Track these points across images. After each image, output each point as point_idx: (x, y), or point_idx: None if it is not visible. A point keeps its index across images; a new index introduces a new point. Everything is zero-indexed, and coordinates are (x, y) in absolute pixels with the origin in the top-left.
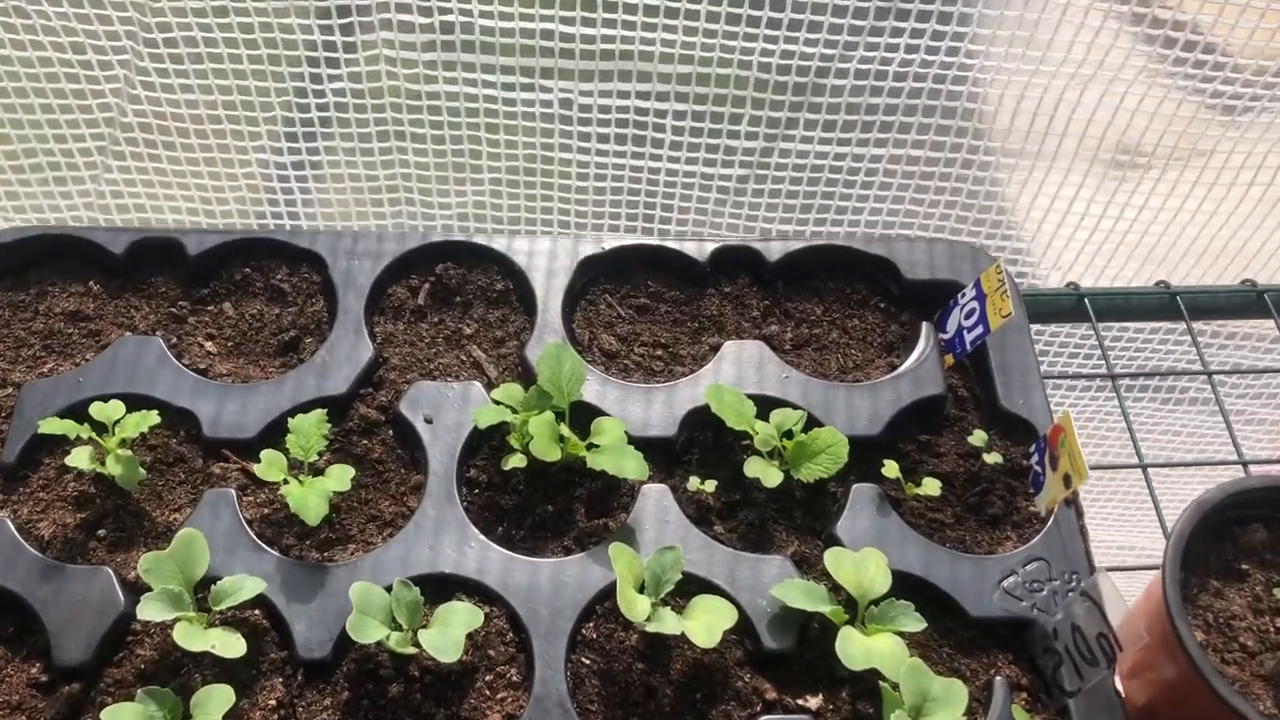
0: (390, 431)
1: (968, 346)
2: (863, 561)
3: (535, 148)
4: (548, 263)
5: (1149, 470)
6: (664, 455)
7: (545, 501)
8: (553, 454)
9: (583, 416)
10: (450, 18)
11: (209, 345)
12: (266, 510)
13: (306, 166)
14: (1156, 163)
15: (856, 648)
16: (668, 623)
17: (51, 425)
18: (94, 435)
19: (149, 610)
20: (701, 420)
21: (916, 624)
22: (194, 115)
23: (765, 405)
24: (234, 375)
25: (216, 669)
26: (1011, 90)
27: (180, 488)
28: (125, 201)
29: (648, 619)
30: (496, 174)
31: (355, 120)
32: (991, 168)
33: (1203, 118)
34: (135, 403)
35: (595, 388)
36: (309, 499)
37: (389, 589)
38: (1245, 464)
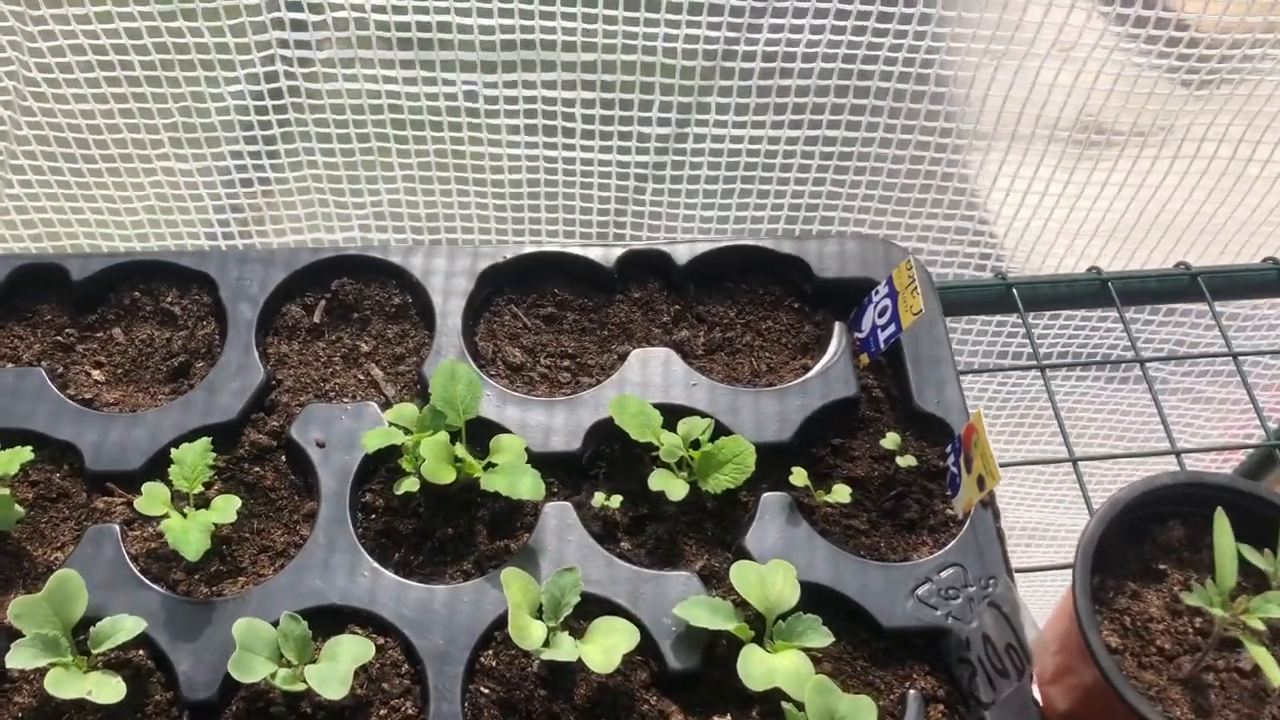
0: (283, 457)
1: (881, 345)
2: (770, 574)
3: (445, 142)
4: (446, 275)
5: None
6: (569, 471)
7: (445, 524)
8: (446, 476)
9: (483, 434)
10: (343, 14)
11: (96, 374)
12: (153, 545)
13: (213, 173)
14: (1098, 139)
15: (758, 667)
16: (564, 648)
17: None
18: None
19: (19, 658)
20: (608, 433)
21: (824, 639)
22: (92, 125)
23: (673, 414)
24: (122, 404)
25: (99, 714)
26: (947, 68)
27: (64, 524)
28: (31, 216)
29: (545, 644)
30: (409, 170)
31: (258, 123)
32: (911, 145)
33: (1122, 90)
34: (14, 438)
35: (495, 404)
36: (189, 533)
37: (278, 623)
38: (1179, 454)
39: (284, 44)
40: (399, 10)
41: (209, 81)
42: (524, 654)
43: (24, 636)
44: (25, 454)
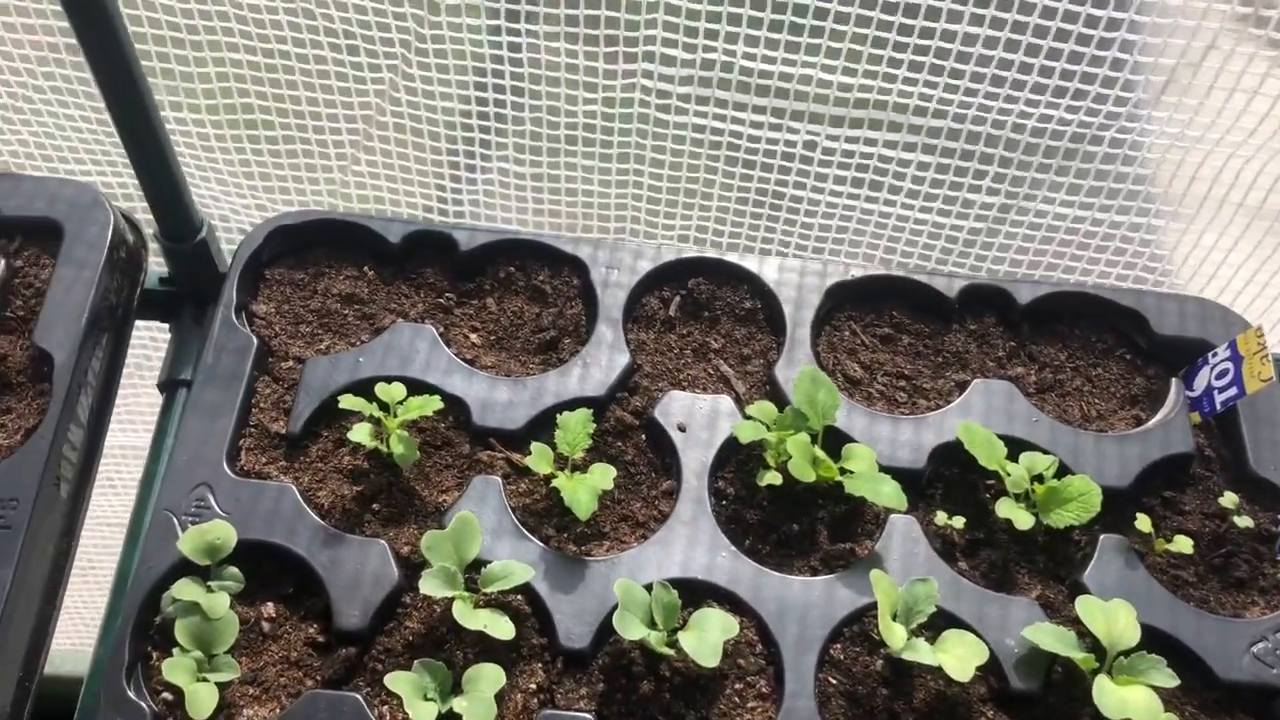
0: (643, 436)
1: (1217, 406)
2: (1113, 611)
3: (769, 183)
4: (797, 285)
5: None
6: (909, 487)
7: (789, 520)
8: (808, 475)
9: (830, 441)
10: (713, 55)
11: (474, 337)
12: (527, 500)
13: (545, 180)
14: None
15: (1112, 697)
16: (922, 653)
17: (349, 402)
18: (380, 414)
19: (430, 585)
20: (948, 456)
21: (1169, 680)
22: (448, 123)
23: (1013, 447)
24: (497, 368)
25: (478, 648)
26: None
27: (447, 471)
28: (366, 193)
29: (904, 647)
30: (725, 203)
31: (600, 141)
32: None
33: None
34: (410, 386)
35: (842, 414)
36: (580, 494)
37: (647, 588)
38: None
39: (648, 75)
40: (768, 60)
41: (569, 99)
42: (869, 652)
43: (430, 567)
44: (435, 402)
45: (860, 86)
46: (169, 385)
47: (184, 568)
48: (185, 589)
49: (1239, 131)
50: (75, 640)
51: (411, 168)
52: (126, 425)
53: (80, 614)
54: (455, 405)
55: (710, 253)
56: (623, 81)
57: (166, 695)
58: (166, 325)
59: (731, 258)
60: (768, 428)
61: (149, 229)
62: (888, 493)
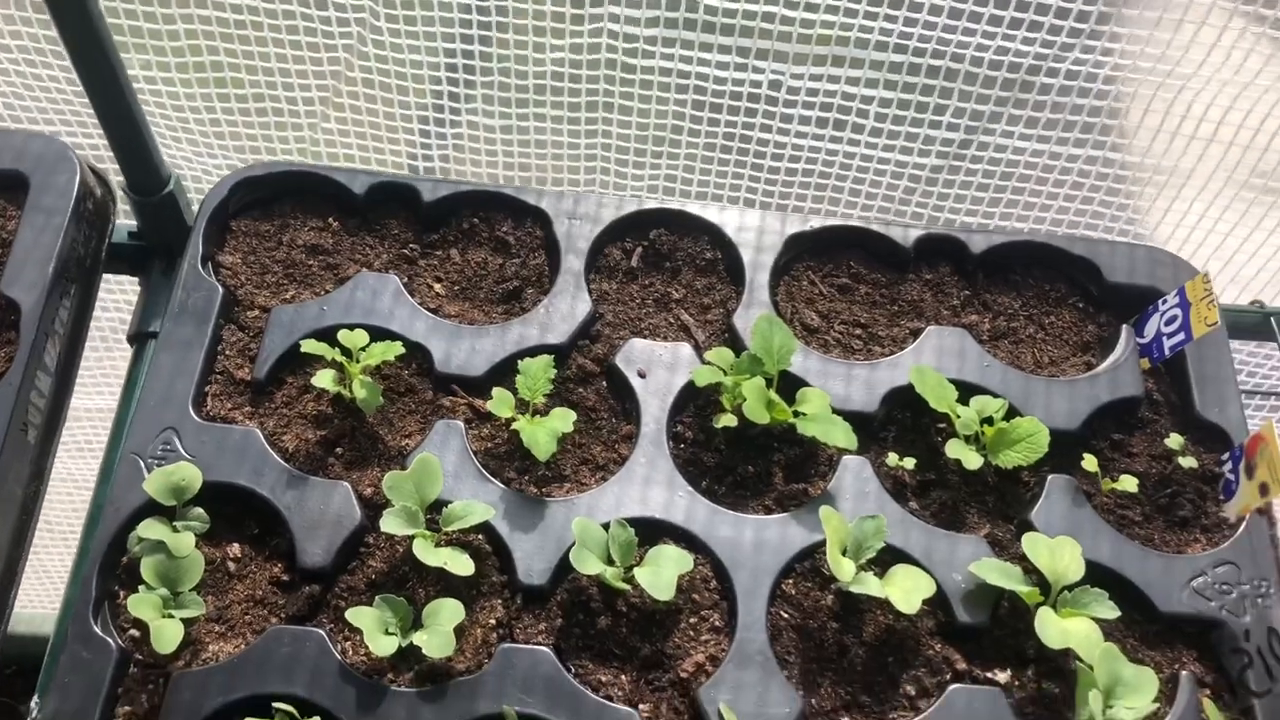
0: (604, 383)
1: (1166, 352)
2: (1058, 548)
3: (736, 128)
4: (756, 236)
5: None
6: (862, 430)
7: (745, 462)
8: (762, 417)
9: (786, 386)
10: None
11: (438, 287)
12: (489, 444)
13: (514, 131)
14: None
15: (1053, 628)
16: (870, 586)
17: (311, 347)
18: (342, 360)
19: (391, 524)
20: (901, 400)
21: (1110, 611)
22: (416, 75)
23: (964, 391)
24: (461, 318)
25: (439, 586)
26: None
27: (410, 416)
28: (336, 150)
29: (852, 580)
30: (694, 149)
31: (569, 90)
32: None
33: None
34: (374, 334)
35: (799, 360)
36: (539, 436)
37: (605, 527)
38: None
39: (614, 19)
40: None
41: (536, 47)
42: (820, 588)
43: (391, 507)
44: (396, 348)
45: (822, 23)
46: (139, 338)
47: (151, 509)
48: (151, 528)
49: (1189, 64)
50: (52, 607)
51: (381, 123)
52: (104, 387)
53: (62, 577)
54: (418, 352)
55: (672, 203)
56: (589, 26)
57: (133, 631)
58: (136, 280)
59: (693, 208)
60: (724, 372)
61: (120, 188)
62: (838, 433)
